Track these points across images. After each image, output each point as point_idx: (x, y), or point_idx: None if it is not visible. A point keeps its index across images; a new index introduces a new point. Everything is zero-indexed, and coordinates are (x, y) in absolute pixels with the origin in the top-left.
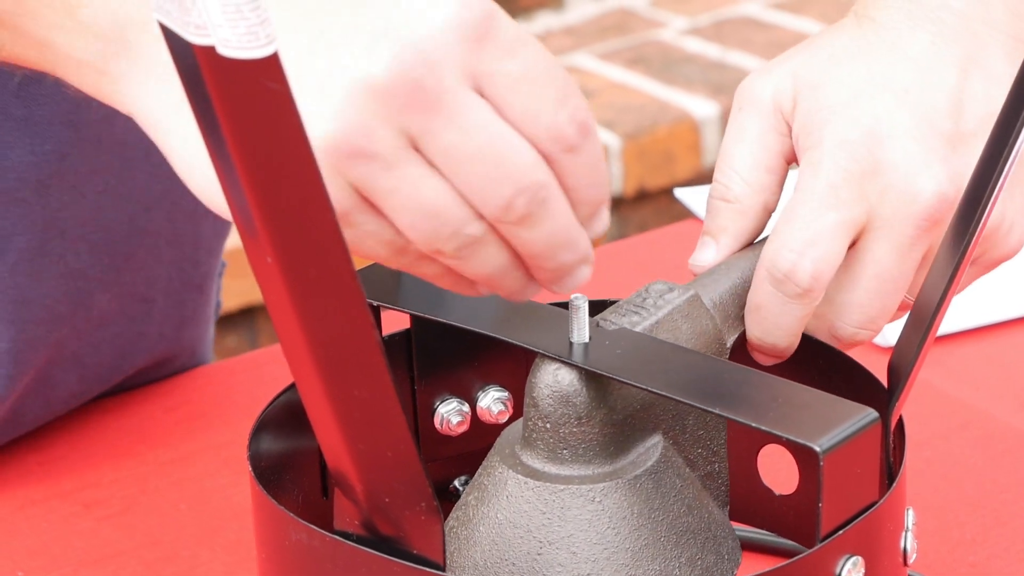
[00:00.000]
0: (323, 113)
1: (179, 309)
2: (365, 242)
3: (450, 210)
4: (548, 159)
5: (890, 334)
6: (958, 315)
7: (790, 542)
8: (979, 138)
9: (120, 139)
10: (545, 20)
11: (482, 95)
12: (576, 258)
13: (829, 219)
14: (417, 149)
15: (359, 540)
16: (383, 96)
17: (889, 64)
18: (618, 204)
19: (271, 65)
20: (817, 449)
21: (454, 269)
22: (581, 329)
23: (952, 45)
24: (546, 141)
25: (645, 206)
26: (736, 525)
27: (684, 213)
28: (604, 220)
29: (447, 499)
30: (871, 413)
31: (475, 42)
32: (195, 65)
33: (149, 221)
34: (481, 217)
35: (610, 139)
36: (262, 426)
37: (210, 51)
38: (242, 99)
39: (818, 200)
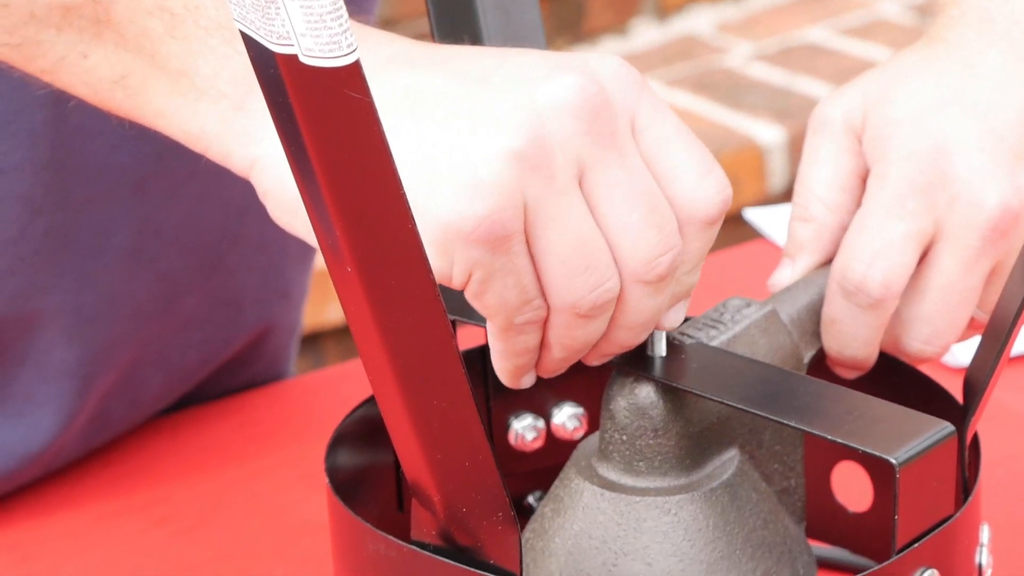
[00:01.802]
0: (507, 128)
1: (265, 316)
2: (501, 280)
3: (600, 256)
4: (681, 226)
5: (962, 355)
6: None
7: (864, 559)
8: None
9: None
10: (610, 45)
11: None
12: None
13: (897, 229)
14: (581, 186)
15: (436, 550)
16: (569, 116)
17: (958, 79)
18: None
19: (353, 74)
20: (893, 462)
21: (554, 341)
22: (658, 343)
23: (1023, 63)
24: (687, 206)
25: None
26: (810, 542)
27: (750, 236)
28: (681, 313)
29: (521, 515)
30: (947, 427)
31: (637, 93)
32: (277, 74)
33: (241, 227)
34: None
35: None
36: (339, 440)
37: (292, 60)
38: (324, 108)
39: (885, 211)
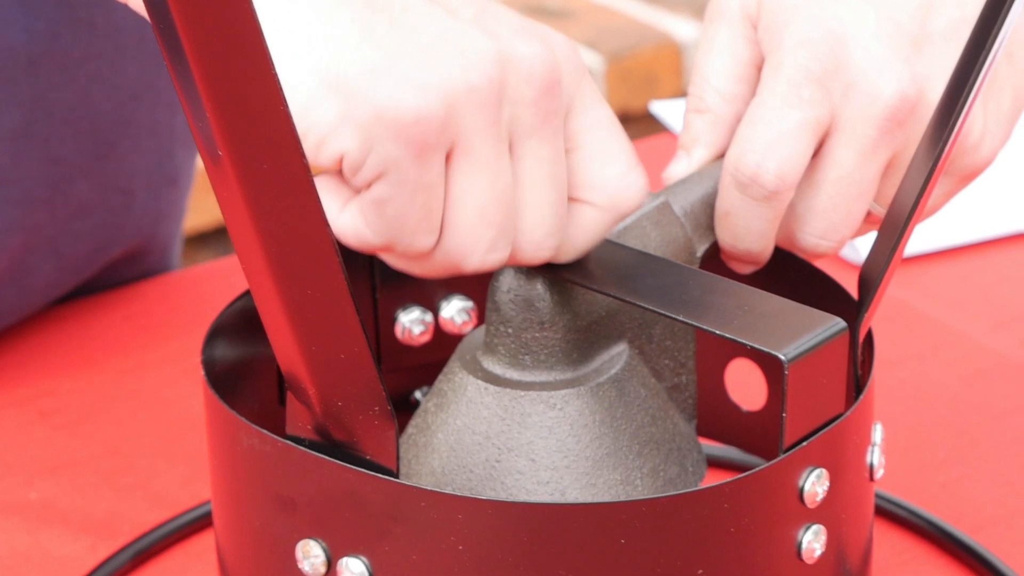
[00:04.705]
0: (469, 59)
1: (156, 202)
2: (411, 196)
3: (510, 220)
4: (593, 209)
5: (864, 250)
6: (934, 234)
7: (757, 459)
8: (949, 41)
9: (115, 25)
10: None
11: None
12: None
13: (792, 119)
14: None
15: (311, 445)
16: (526, 81)
17: None
18: None
19: None
20: (782, 358)
21: (415, 269)
22: None
23: None
24: (609, 191)
25: (627, 128)
26: (703, 441)
27: (659, 131)
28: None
29: (408, 410)
30: (839, 323)
31: (580, 80)
32: None
33: (134, 111)
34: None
35: (593, 60)
36: (217, 331)
37: None
38: None
39: (780, 100)
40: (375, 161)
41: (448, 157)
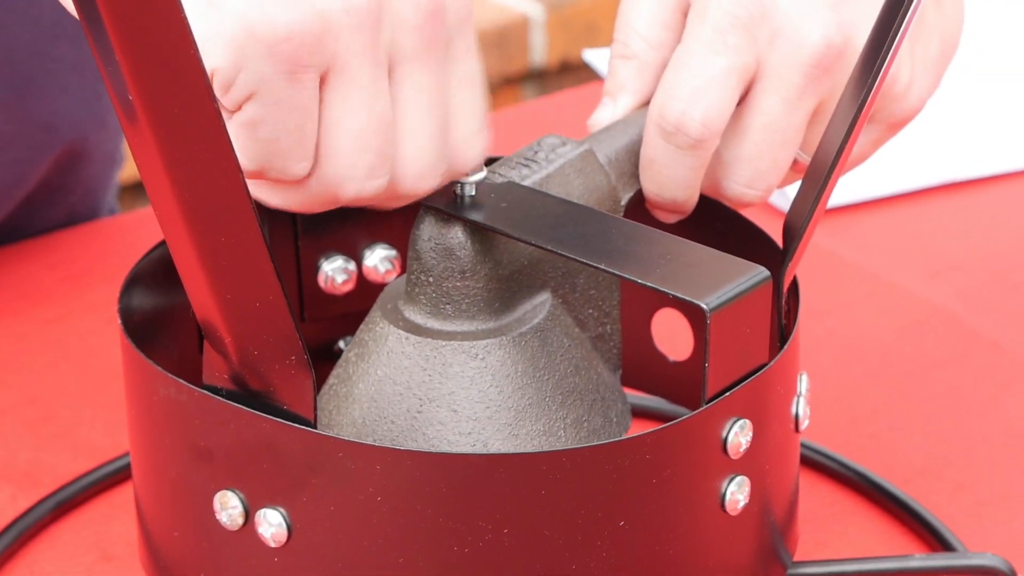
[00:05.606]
0: None
1: (81, 142)
2: (283, 117)
3: (388, 146)
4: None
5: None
6: (867, 183)
7: (682, 409)
8: None
9: None
10: None
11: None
12: None
13: (717, 66)
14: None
15: (228, 395)
16: (410, 5)
17: None
18: (541, 76)
19: None
20: (704, 307)
21: (294, 203)
22: (467, 181)
23: None
24: (454, 149)
25: (568, 77)
26: (629, 391)
27: (593, 79)
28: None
29: (332, 360)
30: (762, 271)
31: (464, 20)
32: None
33: (54, 47)
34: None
35: (534, 9)
36: (135, 279)
37: None
38: None
39: (706, 47)
40: (246, 79)
41: (323, 80)
